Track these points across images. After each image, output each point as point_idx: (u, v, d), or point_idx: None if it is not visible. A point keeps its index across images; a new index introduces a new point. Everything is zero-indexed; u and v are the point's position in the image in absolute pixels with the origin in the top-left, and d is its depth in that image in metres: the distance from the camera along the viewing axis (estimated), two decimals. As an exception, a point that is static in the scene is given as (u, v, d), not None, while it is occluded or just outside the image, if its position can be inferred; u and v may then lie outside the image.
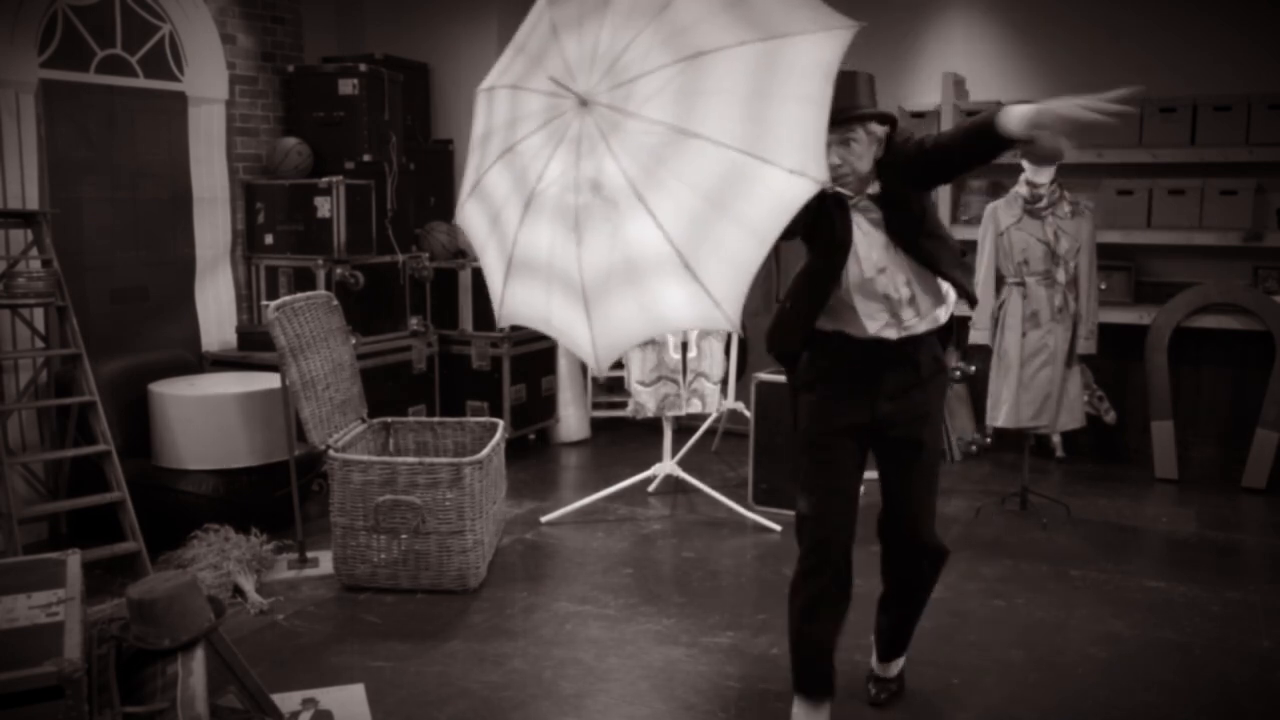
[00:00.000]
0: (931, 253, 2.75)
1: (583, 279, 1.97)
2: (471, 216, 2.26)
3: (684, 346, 4.90)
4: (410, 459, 4.07)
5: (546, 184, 2.01)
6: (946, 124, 6.20)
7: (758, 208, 1.82)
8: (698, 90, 1.87)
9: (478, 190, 2.21)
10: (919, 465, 2.95)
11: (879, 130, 2.66)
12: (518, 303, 2.17)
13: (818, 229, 2.70)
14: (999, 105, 2.39)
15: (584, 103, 1.97)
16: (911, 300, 2.77)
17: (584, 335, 2.04)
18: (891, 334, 2.79)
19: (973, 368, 6.17)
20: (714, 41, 1.86)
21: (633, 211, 1.91)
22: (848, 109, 2.56)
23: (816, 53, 1.84)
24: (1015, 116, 2.31)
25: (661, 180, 1.88)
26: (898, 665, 3.36)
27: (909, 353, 2.83)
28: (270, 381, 4.75)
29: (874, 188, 2.71)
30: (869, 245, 2.73)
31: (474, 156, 2.25)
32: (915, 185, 2.70)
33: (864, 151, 2.64)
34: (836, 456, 2.90)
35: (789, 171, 1.80)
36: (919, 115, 6.30)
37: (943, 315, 2.89)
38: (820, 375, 2.89)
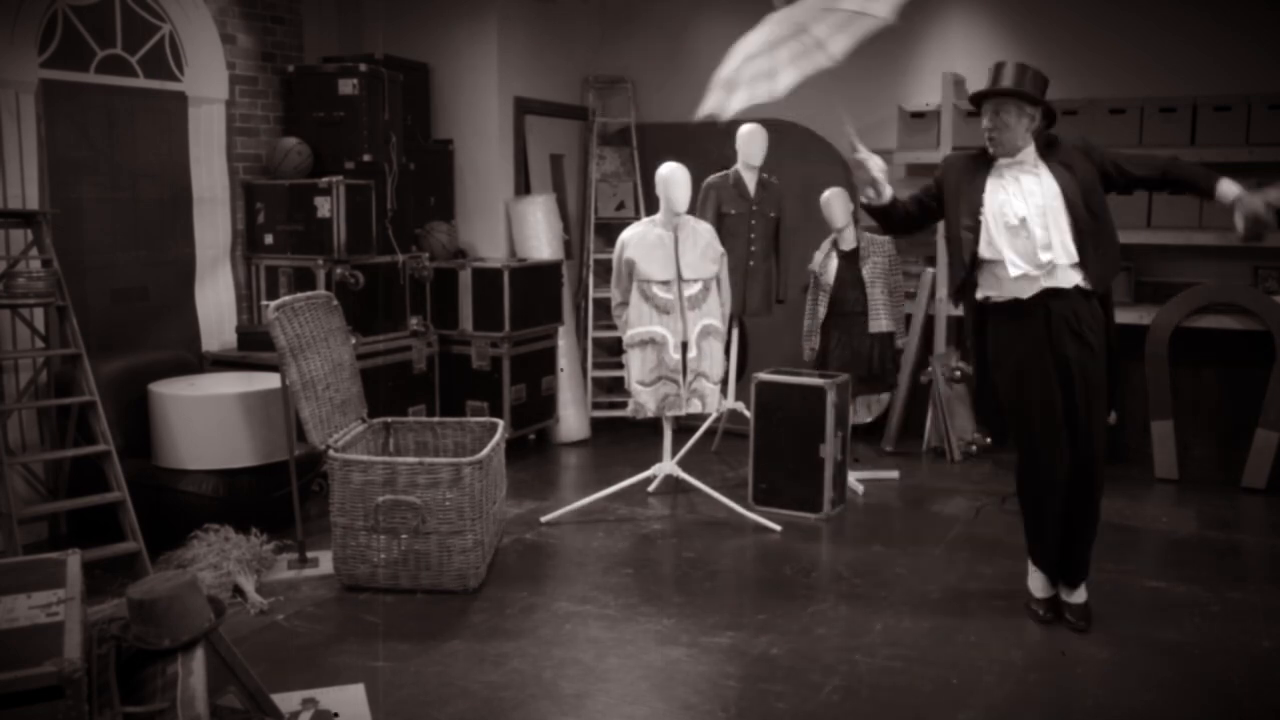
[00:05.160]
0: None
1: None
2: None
3: (684, 346, 4.90)
4: (410, 459, 4.07)
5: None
6: (946, 123, 6.21)
7: None
8: None
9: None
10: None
11: (1030, 110, 3.63)
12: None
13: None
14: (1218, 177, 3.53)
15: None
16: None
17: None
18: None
19: (973, 368, 6.17)
20: None
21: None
22: (998, 88, 3.62)
23: None
24: (1232, 194, 3.48)
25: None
26: (1078, 593, 3.84)
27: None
28: (270, 381, 4.75)
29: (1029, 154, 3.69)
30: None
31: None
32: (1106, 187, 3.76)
33: (1013, 123, 3.63)
34: None
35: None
36: (919, 115, 6.30)
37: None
38: None
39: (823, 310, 5.66)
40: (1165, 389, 5.77)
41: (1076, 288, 3.63)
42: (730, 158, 5.64)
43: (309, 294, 4.53)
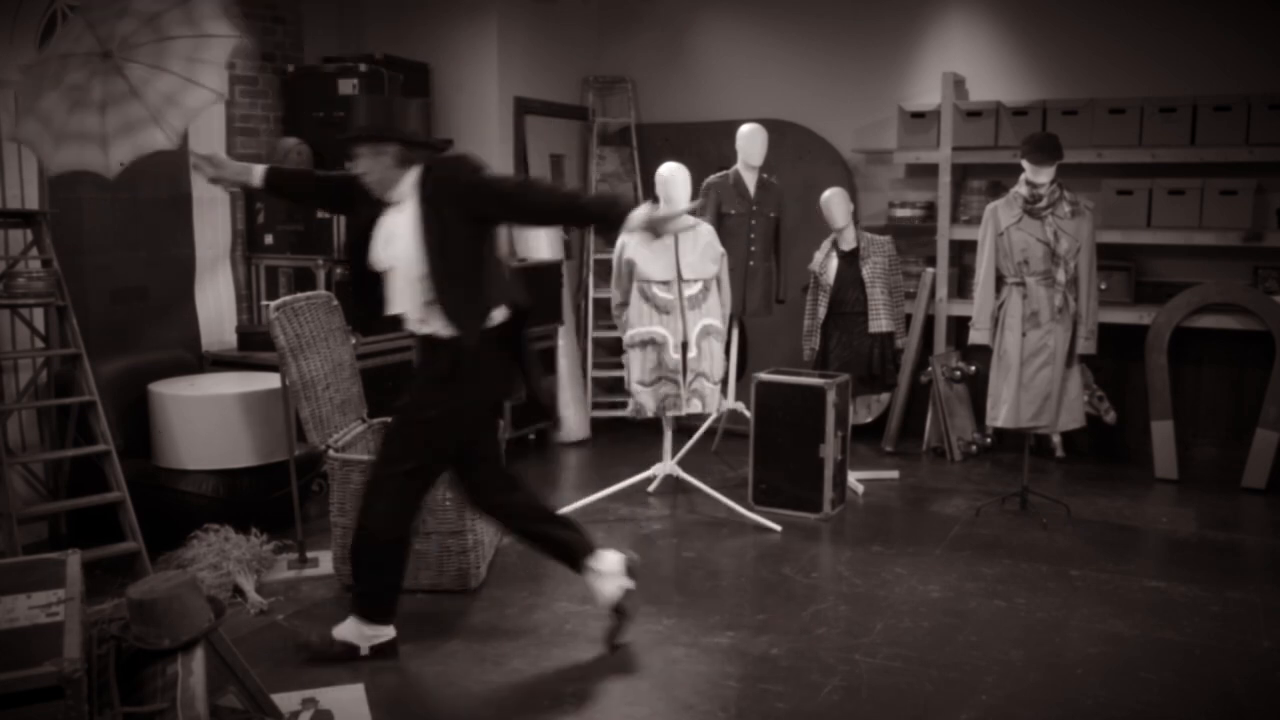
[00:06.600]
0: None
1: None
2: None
3: (684, 346, 4.90)
4: (410, 459, 4.06)
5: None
6: (946, 123, 6.20)
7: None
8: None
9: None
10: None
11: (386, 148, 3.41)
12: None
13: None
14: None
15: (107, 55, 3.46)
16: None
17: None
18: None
19: (973, 368, 6.17)
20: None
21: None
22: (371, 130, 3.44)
23: None
24: (638, 219, 3.18)
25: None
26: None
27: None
28: (270, 381, 4.75)
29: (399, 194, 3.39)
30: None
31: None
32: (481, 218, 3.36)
33: (370, 166, 3.47)
34: None
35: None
36: (919, 115, 6.30)
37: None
38: None
39: (823, 310, 5.66)
40: (1165, 389, 5.77)
41: (429, 337, 3.40)
42: (730, 158, 5.64)
43: (309, 294, 4.53)
